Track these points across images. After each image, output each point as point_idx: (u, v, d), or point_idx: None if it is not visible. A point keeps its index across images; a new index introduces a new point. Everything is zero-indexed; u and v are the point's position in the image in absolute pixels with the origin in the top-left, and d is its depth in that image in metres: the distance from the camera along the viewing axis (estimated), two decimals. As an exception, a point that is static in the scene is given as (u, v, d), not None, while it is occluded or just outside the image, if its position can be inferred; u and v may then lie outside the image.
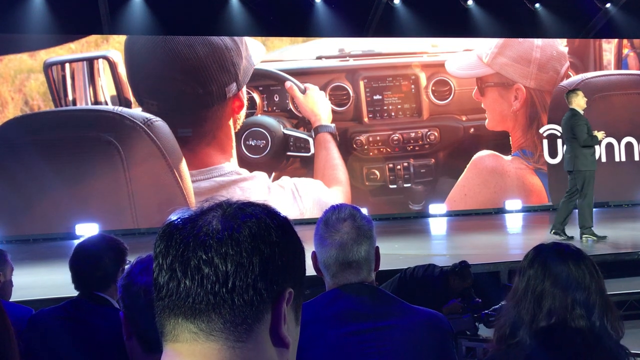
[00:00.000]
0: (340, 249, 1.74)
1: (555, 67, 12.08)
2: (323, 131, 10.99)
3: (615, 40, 12.64)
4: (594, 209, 7.47)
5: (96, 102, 10.33)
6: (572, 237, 7.34)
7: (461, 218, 11.40)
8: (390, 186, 11.46)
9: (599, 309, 1.67)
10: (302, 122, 11.03)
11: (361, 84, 11.31)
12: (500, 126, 11.82)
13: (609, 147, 12.17)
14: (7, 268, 3.09)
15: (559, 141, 12.03)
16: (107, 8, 10.37)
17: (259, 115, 10.91)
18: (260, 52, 10.98)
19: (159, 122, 10.21)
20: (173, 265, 0.80)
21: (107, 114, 10.20)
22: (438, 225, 10.83)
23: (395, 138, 11.41)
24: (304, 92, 10.94)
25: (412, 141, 11.49)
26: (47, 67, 10.25)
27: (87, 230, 9.67)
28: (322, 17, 11.30)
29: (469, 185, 11.66)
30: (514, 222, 10.84)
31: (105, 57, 10.42)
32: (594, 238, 7.34)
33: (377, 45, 11.58)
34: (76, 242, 2.65)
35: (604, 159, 12.12)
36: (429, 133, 11.54)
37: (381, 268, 1.86)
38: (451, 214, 11.59)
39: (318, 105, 11.01)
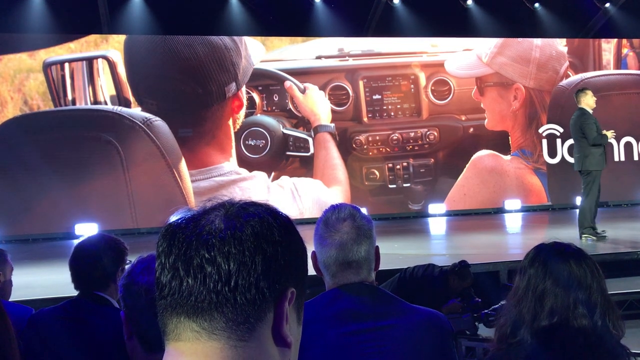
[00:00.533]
0: (340, 249, 1.74)
1: (555, 67, 12.08)
2: (322, 131, 10.99)
3: (615, 40, 12.65)
4: (599, 209, 7.50)
5: (96, 102, 10.33)
6: (604, 231, 7.38)
7: (460, 218, 11.40)
8: (390, 186, 11.46)
9: (601, 308, 1.67)
10: (302, 122, 11.03)
11: (360, 83, 11.31)
12: (499, 126, 11.82)
13: (609, 146, 12.16)
14: (6, 268, 3.09)
15: (559, 141, 12.03)
16: (106, 8, 10.36)
17: (259, 115, 10.91)
18: (260, 52, 10.98)
19: (158, 122, 10.21)
20: (176, 264, 0.80)
21: (106, 113, 10.20)
22: (437, 225, 10.82)
23: (395, 138, 11.41)
24: (303, 91, 10.94)
25: (411, 141, 11.49)
26: (47, 66, 10.24)
27: (86, 230, 9.66)
28: (322, 17, 11.30)
29: (468, 184, 11.67)
30: (513, 221, 10.84)
31: (104, 57, 10.42)
32: (594, 238, 7.34)
33: (376, 45, 11.58)
34: (75, 241, 2.65)
35: (622, 158, 12.15)
36: (428, 133, 11.54)
37: (381, 268, 1.86)
38: (450, 214, 11.60)
39: (317, 105, 11.01)
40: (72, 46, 10.42)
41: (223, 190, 10.30)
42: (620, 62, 12.69)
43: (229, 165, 10.60)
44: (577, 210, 7.60)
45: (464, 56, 11.75)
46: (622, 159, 12.31)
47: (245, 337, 0.79)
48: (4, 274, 3.05)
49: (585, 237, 7.33)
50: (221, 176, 10.53)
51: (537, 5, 12.17)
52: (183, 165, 10.32)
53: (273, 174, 10.82)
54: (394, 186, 11.47)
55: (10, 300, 3.11)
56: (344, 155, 11.14)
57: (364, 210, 1.87)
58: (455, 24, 11.64)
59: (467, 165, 11.63)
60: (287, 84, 10.87)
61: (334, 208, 1.81)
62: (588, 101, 7.39)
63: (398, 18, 11.57)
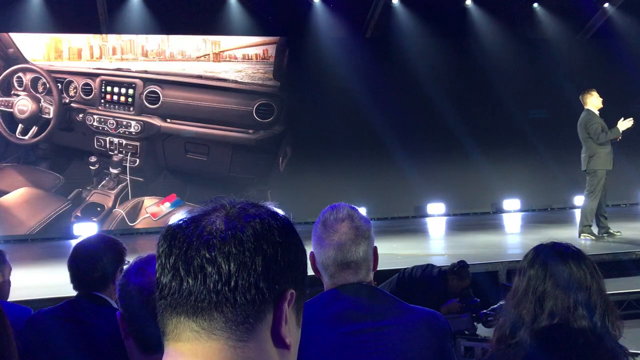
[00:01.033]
0: (338, 250, 1.74)
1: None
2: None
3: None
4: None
5: None
6: (619, 232, 7.44)
7: (459, 218, 11.41)
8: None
9: (600, 309, 1.67)
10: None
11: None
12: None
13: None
14: (5, 268, 3.08)
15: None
16: (105, 7, 10.35)
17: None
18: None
19: None
20: (176, 264, 0.80)
21: None
22: (436, 225, 10.83)
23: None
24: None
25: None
26: None
27: (85, 230, 9.66)
28: (321, 17, 11.30)
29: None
30: (512, 221, 10.85)
31: None
32: (593, 237, 7.35)
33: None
34: (74, 242, 2.65)
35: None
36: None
37: (379, 268, 1.86)
38: (449, 214, 11.61)
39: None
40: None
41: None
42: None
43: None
44: (580, 210, 7.63)
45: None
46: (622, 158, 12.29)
47: (245, 337, 0.79)
48: (2, 275, 3.04)
49: (585, 235, 7.34)
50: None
51: (535, 5, 12.16)
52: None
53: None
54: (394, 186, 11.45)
55: (9, 300, 3.11)
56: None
57: (362, 210, 1.87)
58: (454, 24, 11.64)
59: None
60: None
61: (332, 208, 1.81)
62: (594, 102, 7.40)
63: (397, 18, 11.57)
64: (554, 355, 1.64)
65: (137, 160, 10.62)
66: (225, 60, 11.07)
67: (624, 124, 7.27)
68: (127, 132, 10.58)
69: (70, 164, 10.38)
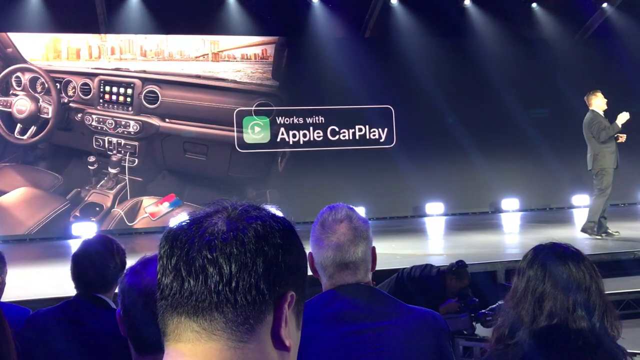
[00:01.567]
0: (337, 250, 1.74)
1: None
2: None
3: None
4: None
5: None
6: (617, 232, 7.46)
7: (458, 217, 11.41)
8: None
9: (599, 310, 1.67)
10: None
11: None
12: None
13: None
14: (4, 269, 3.08)
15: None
16: (103, 7, 10.35)
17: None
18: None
19: None
20: (178, 265, 0.80)
21: None
22: (435, 225, 10.83)
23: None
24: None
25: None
26: None
27: (83, 230, 9.66)
28: (320, 18, 11.30)
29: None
30: (511, 221, 10.85)
31: None
32: (591, 236, 7.36)
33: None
34: (72, 241, 2.65)
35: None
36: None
37: (378, 268, 1.86)
38: (448, 214, 11.61)
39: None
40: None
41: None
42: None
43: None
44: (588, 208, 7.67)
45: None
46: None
47: (245, 338, 0.79)
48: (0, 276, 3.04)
49: (584, 233, 7.38)
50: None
51: (534, 5, 12.17)
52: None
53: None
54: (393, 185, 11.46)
55: (6, 301, 3.10)
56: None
57: (360, 211, 1.87)
58: (453, 24, 11.64)
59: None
60: None
61: (331, 209, 1.81)
62: (598, 103, 7.43)
63: (396, 18, 11.57)
64: (553, 355, 1.64)
65: (136, 160, 10.62)
66: (224, 60, 11.08)
67: (621, 118, 7.30)
68: (125, 132, 10.57)
69: (69, 163, 10.37)
